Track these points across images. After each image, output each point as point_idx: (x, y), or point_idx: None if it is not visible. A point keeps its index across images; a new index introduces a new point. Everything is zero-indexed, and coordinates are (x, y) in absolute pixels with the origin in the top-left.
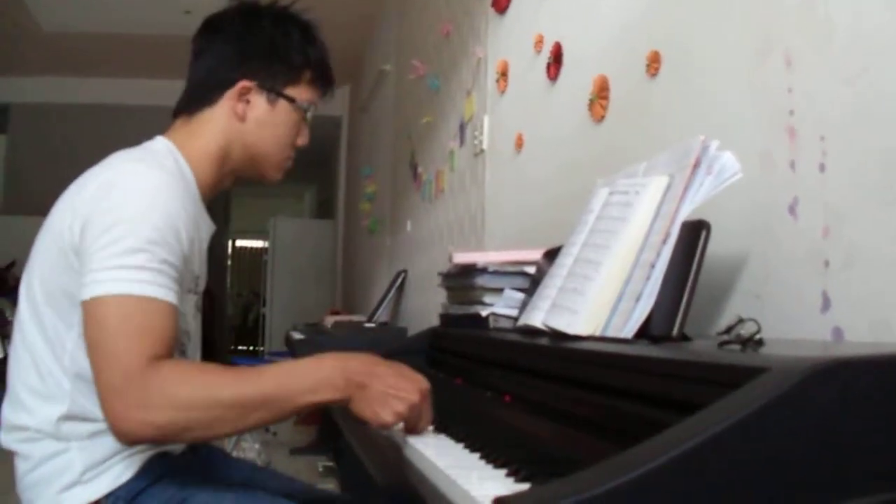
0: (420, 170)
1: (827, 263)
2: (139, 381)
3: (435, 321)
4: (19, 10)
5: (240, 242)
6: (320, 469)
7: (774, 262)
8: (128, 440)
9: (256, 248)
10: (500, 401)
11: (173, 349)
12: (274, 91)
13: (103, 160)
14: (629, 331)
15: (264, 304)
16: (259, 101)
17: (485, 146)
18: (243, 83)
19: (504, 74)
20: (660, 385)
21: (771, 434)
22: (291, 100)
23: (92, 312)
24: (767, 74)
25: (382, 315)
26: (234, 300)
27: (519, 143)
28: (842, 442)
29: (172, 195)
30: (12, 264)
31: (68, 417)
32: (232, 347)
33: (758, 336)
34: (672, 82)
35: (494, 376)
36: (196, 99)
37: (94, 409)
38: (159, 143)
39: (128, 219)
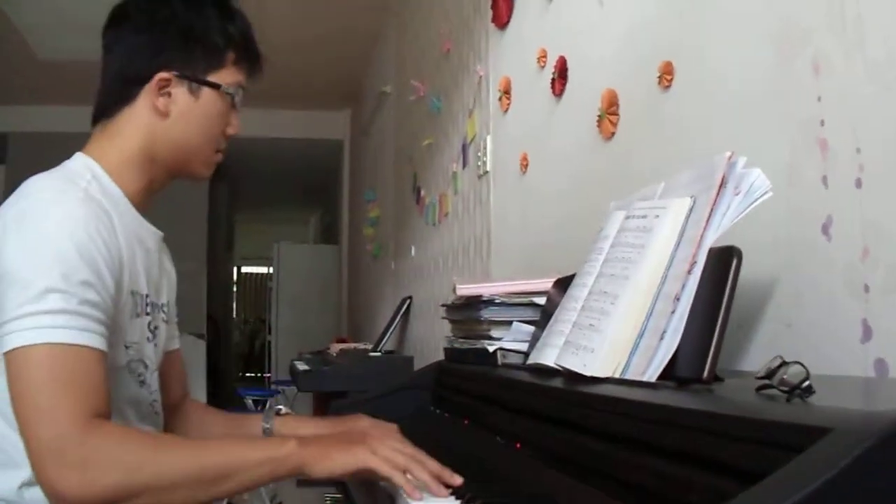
0: (423, 193)
1: (867, 288)
2: (75, 439)
3: (441, 350)
4: (14, 39)
5: (245, 269)
6: (327, 502)
7: (806, 287)
8: None
9: (262, 275)
10: (511, 447)
11: (107, 401)
12: (196, 80)
13: (20, 187)
14: (653, 372)
15: (270, 332)
16: (180, 93)
17: (489, 167)
18: (161, 75)
19: (506, 92)
20: (694, 441)
21: None
22: (216, 86)
23: (13, 365)
24: (793, 82)
25: (388, 343)
26: (240, 327)
27: (524, 164)
28: None
29: (85, 223)
30: None
31: (31, 484)
32: (239, 375)
33: (805, 382)
34: (687, 94)
35: (504, 420)
36: (112, 100)
37: None
38: (76, 161)
39: (37, 258)
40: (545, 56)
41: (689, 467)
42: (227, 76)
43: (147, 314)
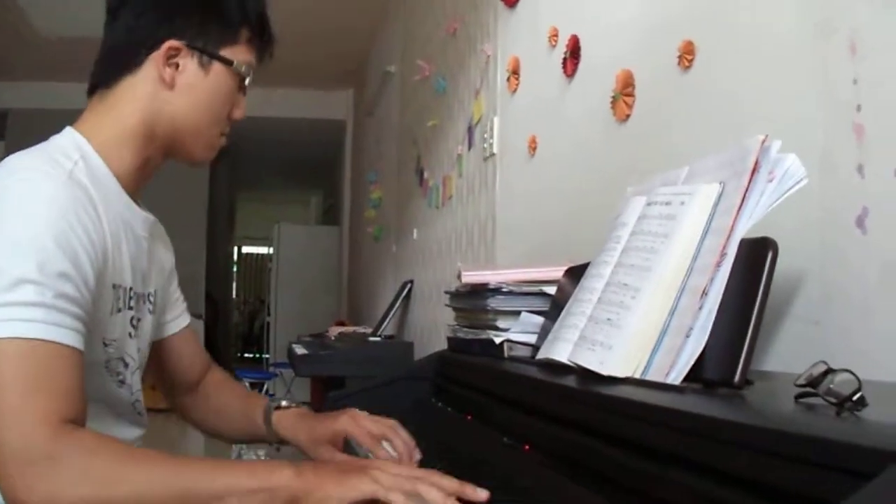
0: (426, 175)
1: None
2: (43, 445)
3: (442, 337)
4: (16, 16)
5: (245, 249)
6: None
7: (838, 282)
8: None
9: (262, 255)
10: (518, 450)
11: (81, 405)
12: (207, 52)
13: (1, 164)
14: (677, 374)
15: (269, 313)
16: (190, 65)
17: (495, 150)
18: (171, 43)
19: (515, 72)
20: (729, 456)
21: None
22: (228, 62)
23: None
24: (828, 63)
25: (388, 328)
26: (239, 307)
27: (532, 146)
28: None
29: (66, 209)
30: None
31: None
32: (238, 355)
33: (858, 394)
34: (709, 75)
35: (511, 419)
36: (115, 66)
37: None
38: (64, 137)
39: (12, 245)
40: (556, 35)
41: (722, 486)
42: (239, 54)
43: (130, 308)
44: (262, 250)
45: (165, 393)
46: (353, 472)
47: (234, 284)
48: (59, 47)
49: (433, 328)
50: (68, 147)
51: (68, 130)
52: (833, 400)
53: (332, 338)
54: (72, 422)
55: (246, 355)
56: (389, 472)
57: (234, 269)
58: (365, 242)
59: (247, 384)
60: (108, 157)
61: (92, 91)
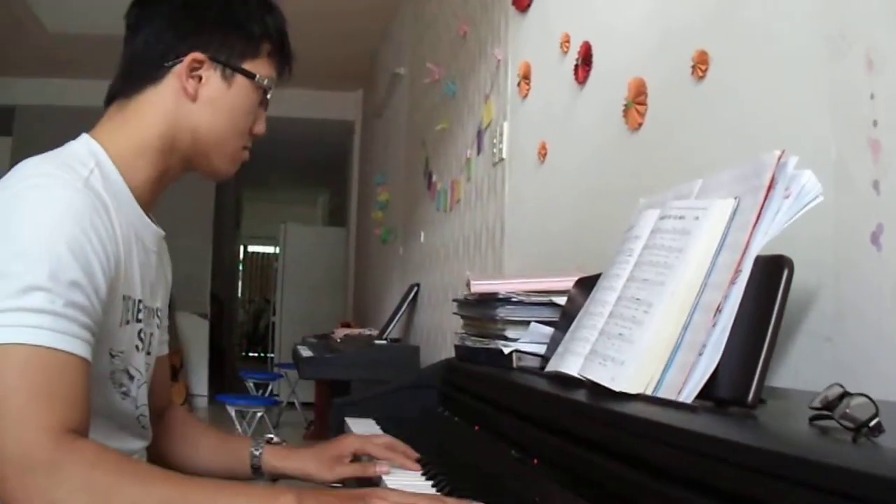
0: (434, 178)
1: None
2: (43, 454)
3: (448, 341)
4: (23, 11)
5: (252, 248)
6: None
7: (851, 299)
8: None
9: (268, 254)
10: (528, 464)
11: (86, 415)
12: (230, 65)
13: (12, 170)
14: (690, 392)
15: (274, 313)
16: (213, 78)
17: (504, 155)
18: (194, 55)
19: (526, 77)
20: (743, 480)
21: None
22: (251, 76)
23: None
24: (844, 77)
25: (394, 331)
26: (244, 306)
27: (542, 153)
28: None
29: (81, 216)
30: None
31: None
32: (242, 354)
33: (875, 420)
34: (723, 86)
35: (520, 432)
36: (136, 78)
37: None
38: (80, 144)
39: (25, 250)
40: (568, 41)
41: None
42: (261, 68)
43: (139, 321)
44: (269, 249)
45: None
46: (356, 500)
47: (240, 283)
48: (67, 44)
49: (439, 332)
50: (83, 154)
51: (84, 137)
52: (849, 425)
53: (338, 340)
54: (74, 431)
55: (251, 354)
56: (391, 499)
57: (240, 267)
58: (372, 244)
59: (251, 384)
60: (123, 168)
61: (110, 101)
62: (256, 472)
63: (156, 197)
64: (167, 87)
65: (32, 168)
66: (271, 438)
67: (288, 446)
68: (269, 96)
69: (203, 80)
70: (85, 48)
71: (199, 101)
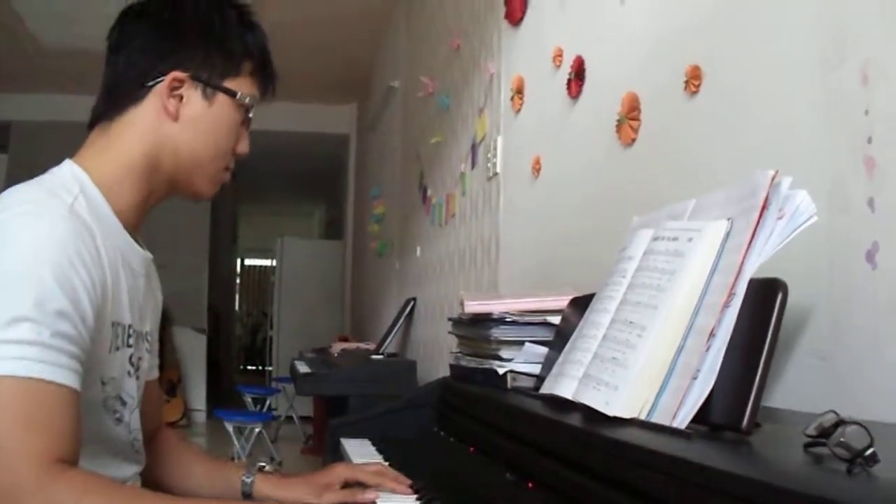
0: (430, 192)
1: None
2: (33, 486)
3: (446, 356)
4: (19, 27)
5: (248, 261)
6: None
7: (846, 317)
8: None
9: (265, 268)
10: (522, 487)
11: (76, 446)
12: (211, 84)
13: None
14: (684, 417)
15: (272, 327)
16: (194, 96)
17: (498, 169)
18: (175, 74)
19: (519, 91)
20: None
21: None
22: (232, 94)
23: None
24: (838, 93)
25: (391, 345)
26: (242, 320)
27: (536, 168)
28: None
29: (65, 244)
30: None
31: None
32: (240, 367)
33: (870, 450)
34: (716, 101)
35: (516, 454)
36: (117, 99)
37: None
38: (64, 170)
39: (9, 280)
40: (561, 55)
41: None
42: (242, 86)
43: (129, 346)
44: (265, 262)
45: None
46: None
47: (237, 297)
48: (63, 59)
49: (436, 347)
50: (68, 180)
51: (67, 163)
52: (844, 454)
53: (335, 354)
54: (64, 461)
55: (248, 367)
56: None
57: (237, 281)
58: (368, 257)
59: (248, 399)
60: (108, 193)
61: (92, 125)
62: (248, 499)
63: (141, 220)
64: (149, 106)
65: (15, 196)
66: (263, 466)
67: (279, 474)
68: (251, 115)
69: (184, 100)
70: (80, 64)
71: (181, 121)
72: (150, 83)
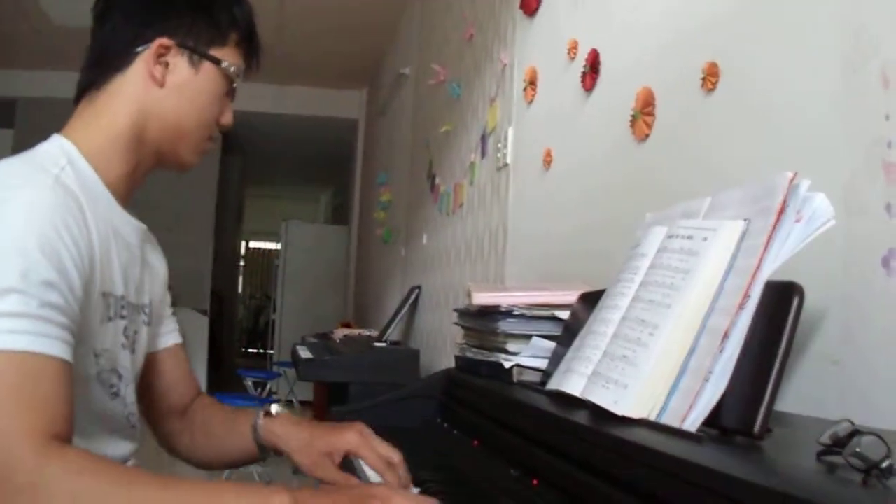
0: (438, 181)
1: None
2: (27, 463)
3: (449, 346)
4: (30, 4)
5: (253, 244)
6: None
7: (860, 322)
8: None
9: (269, 250)
10: (527, 484)
11: (69, 420)
12: (197, 51)
13: None
14: (695, 419)
15: (274, 310)
16: (180, 63)
17: (508, 160)
18: (161, 41)
19: (532, 83)
20: None
21: None
22: (218, 62)
23: None
24: (858, 95)
25: (394, 333)
26: (245, 302)
27: (548, 160)
28: None
29: (51, 214)
30: None
31: None
32: (242, 350)
33: (887, 461)
34: (732, 100)
35: (520, 450)
36: (104, 67)
37: None
38: (51, 144)
39: None
40: (576, 47)
41: None
42: (228, 56)
43: (122, 318)
44: (270, 245)
45: (151, 420)
46: (356, 500)
47: (241, 279)
48: (70, 36)
49: (440, 336)
50: (55, 153)
51: (55, 137)
52: (860, 465)
53: (338, 340)
54: (57, 436)
55: (250, 350)
56: (394, 501)
57: (241, 263)
58: (373, 244)
59: (249, 383)
60: (96, 164)
61: (79, 97)
62: (262, 451)
63: (132, 191)
64: (135, 73)
65: (3, 168)
66: (269, 410)
67: (286, 417)
68: (235, 86)
69: (170, 67)
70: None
71: (167, 88)
72: (137, 49)
